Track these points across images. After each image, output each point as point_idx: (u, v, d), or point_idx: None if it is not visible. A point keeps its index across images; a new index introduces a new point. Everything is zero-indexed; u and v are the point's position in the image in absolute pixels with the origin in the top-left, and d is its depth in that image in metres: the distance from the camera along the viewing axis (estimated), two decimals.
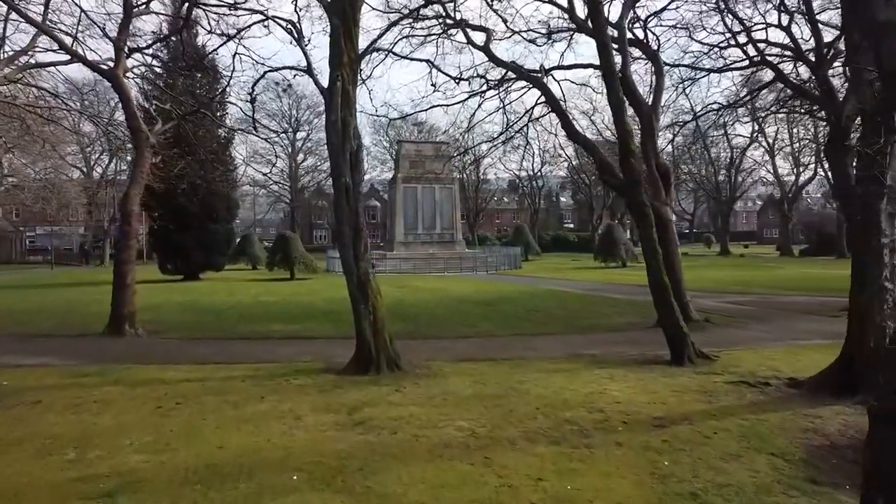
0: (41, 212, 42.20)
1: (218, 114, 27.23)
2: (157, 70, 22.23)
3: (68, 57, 12.39)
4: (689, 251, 53.65)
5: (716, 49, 16.46)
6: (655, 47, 13.72)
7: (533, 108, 13.84)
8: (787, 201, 44.19)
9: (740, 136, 47.02)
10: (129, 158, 28.55)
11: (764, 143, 44.34)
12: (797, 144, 42.10)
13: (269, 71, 9.32)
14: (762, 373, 7.34)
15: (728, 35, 15.86)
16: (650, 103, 12.27)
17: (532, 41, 14.32)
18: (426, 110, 14.64)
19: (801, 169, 44.02)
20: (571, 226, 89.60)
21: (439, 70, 11.96)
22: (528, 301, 15.74)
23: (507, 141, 15.04)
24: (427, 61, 11.40)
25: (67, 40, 12.23)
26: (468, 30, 13.64)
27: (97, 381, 7.38)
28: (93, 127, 31.18)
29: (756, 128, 44.82)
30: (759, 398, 6.27)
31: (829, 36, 14.52)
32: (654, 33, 13.50)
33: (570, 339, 10.13)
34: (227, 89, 26.50)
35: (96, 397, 6.55)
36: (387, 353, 7.59)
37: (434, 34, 13.87)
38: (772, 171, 45.23)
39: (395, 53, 10.58)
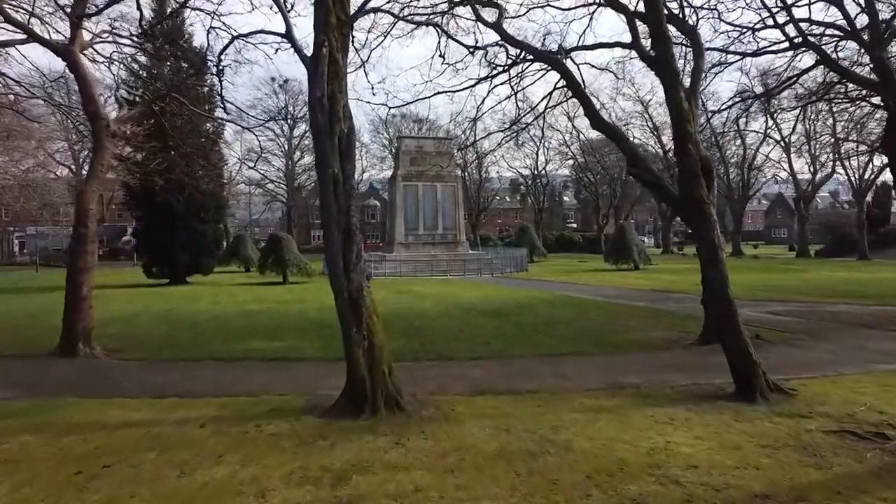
0: (25, 211, 40.72)
1: (206, 106, 25.68)
2: (127, 50, 20.59)
3: (25, 36, 10.90)
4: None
5: (748, 31, 15.00)
6: (692, 22, 12.16)
7: (551, 93, 12.30)
8: (804, 200, 42.63)
9: (752, 131, 45.50)
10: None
11: (779, 140, 42.78)
12: (814, 142, 40.59)
13: (241, 37, 7.79)
14: (864, 415, 5.80)
15: (765, 15, 14.40)
16: (688, 87, 10.72)
17: (547, 32, 12.77)
18: (430, 97, 12.75)
19: (819, 166, 42.50)
20: (574, 226, 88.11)
21: (448, 35, 10.43)
22: (544, 311, 14.20)
23: (521, 131, 13.51)
24: (435, 25, 9.85)
25: (33, 21, 10.77)
26: (478, 6, 12.13)
27: (19, 424, 5.85)
28: (61, 117, 29.74)
29: (770, 123, 43.38)
30: (886, 460, 4.72)
31: (885, 13, 13.00)
32: (691, 4, 11.91)
33: (604, 362, 8.59)
34: (212, 78, 24.99)
35: (4, 453, 5.02)
36: (385, 390, 6.05)
37: (438, 12, 12.36)
38: (787, 168, 43.65)
39: (394, 15, 9.00)
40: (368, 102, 13.16)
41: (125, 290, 22.13)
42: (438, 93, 13.27)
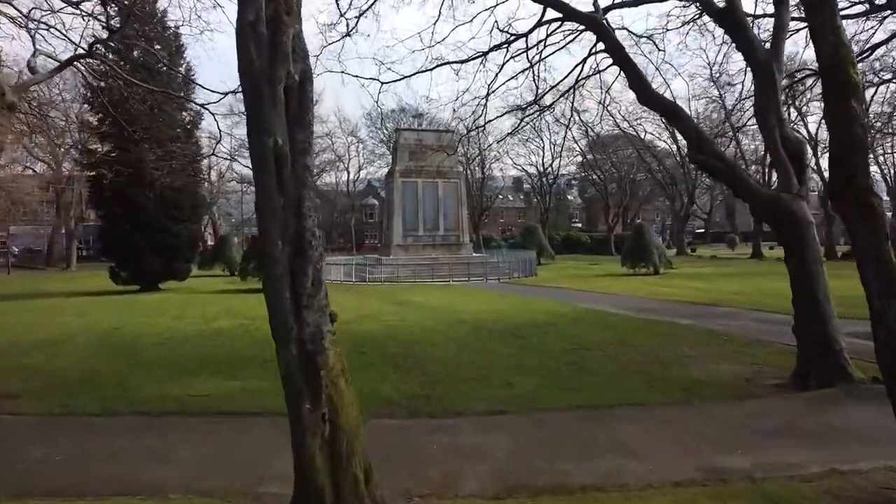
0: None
1: (180, 93, 23.30)
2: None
3: None
4: (717, 254, 49.73)
5: None
6: None
7: (585, 60, 9.90)
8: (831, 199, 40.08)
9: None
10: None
11: (805, 135, 40.28)
12: None
13: None
14: None
15: None
16: (769, 47, 8.31)
17: None
18: (432, 69, 10.41)
19: None
20: (579, 225, 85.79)
21: None
22: (569, 330, 11.78)
23: (542, 112, 11.11)
24: None
25: None
26: None
27: None
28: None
29: (794, 116, 40.90)
30: None
31: None
32: None
33: (677, 420, 6.16)
34: (189, 61, 22.62)
35: None
36: None
37: None
38: (814, 165, 41.14)
39: None
40: (357, 77, 10.78)
41: (85, 298, 19.75)
42: (441, 64, 10.89)
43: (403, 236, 29.77)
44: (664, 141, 51.12)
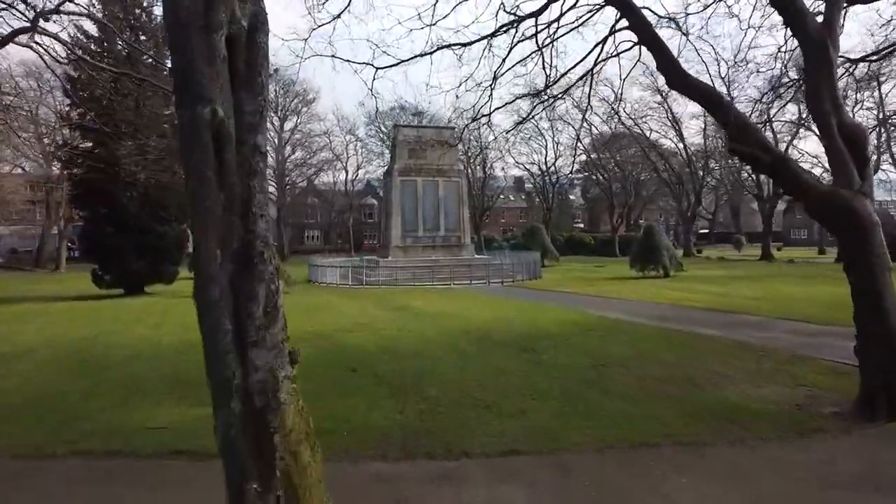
0: None
1: (170, 87, 22.24)
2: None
3: None
4: (725, 255, 48.66)
5: None
6: None
7: (605, 39, 8.81)
8: None
9: (785, 121, 41.82)
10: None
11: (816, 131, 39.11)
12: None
13: None
14: None
15: None
16: (823, 19, 7.21)
17: None
18: (432, 53, 9.38)
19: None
20: (581, 226, 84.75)
21: None
22: (586, 343, 10.68)
23: (555, 100, 10.02)
24: None
25: None
26: None
27: None
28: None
29: (805, 113, 39.80)
30: None
31: None
32: None
33: (734, 467, 5.07)
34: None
35: None
36: None
37: None
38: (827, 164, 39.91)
39: None
40: (349, 62, 9.81)
41: (65, 303, 18.68)
42: (443, 47, 9.81)
43: (402, 237, 28.69)
44: (670, 139, 50.11)
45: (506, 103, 9.59)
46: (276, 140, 58.09)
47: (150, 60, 21.42)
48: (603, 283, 24.32)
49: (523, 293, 20.99)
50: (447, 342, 10.85)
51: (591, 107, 10.21)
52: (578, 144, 55.58)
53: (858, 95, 36.76)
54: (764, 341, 10.62)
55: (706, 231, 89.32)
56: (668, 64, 7.68)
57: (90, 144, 21.39)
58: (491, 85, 9.39)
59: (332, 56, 10.29)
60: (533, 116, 10.53)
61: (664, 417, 6.36)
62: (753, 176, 44.26)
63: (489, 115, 9.64)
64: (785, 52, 10.02)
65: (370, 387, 7.82)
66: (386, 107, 51.08)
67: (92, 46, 21.29)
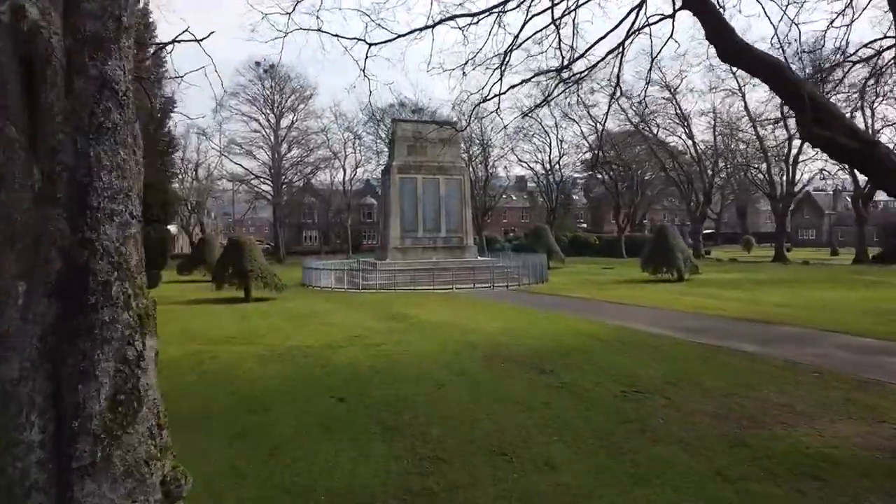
0: None
1: (150, 77, 20.87)
2: None
3: None
4: (736, 256, 47.30)
5: None
6: None
7: (640, 5, 7.43)
8: (863, 199, 37.64)
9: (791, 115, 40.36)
10: None
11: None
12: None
13: None
14: None
15: None
16: None
17: None
18: (433, 26, 8.04)
19: None
20: (584, 226, 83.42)
21: None
22: (612, 362, 9.30)
23: (576, 81, 8.62)
24: None
25: None
26: None
27: None
28: None
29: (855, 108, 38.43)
30: None
31: None
32: None
33: None
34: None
35: None
36: None
37: None
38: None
39: None
40: (338, 37, 8.56)
41: None
42: (446, 19, 8.47)
43: (401, 238, 27.31)
44: (678, 136, 48.74)
45: (522, 81, 8.21)
46: (272, 137, 56.76)
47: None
48: (615, 287, 22.93)
49: (531, 299, 19.62)
50: (452, 361, 9.47)
51: (621, 87, 8.81)
52: (585, 141, 54.19)
53: None
54: (815, 360, 9.25)
55: (711, 231, 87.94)
56: (721, 30, 6.32)
57: None
58: (502, 61, 8.02)
59: (319, 31, 8.93)
60: (551, 100, 9.14)
61: (732, 474, 4.98)
62: (765, 173, 42.86)
63: (500, 95, 8.24)
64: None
65: (360, 423, 6.45)
66: (384, 103, 49.77)
67: None
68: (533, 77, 8.27)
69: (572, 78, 8.20)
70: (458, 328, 12.90)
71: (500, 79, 8.61)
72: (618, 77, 7.88)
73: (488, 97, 8.39)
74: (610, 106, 13.03)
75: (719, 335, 11.52)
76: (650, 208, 74.94)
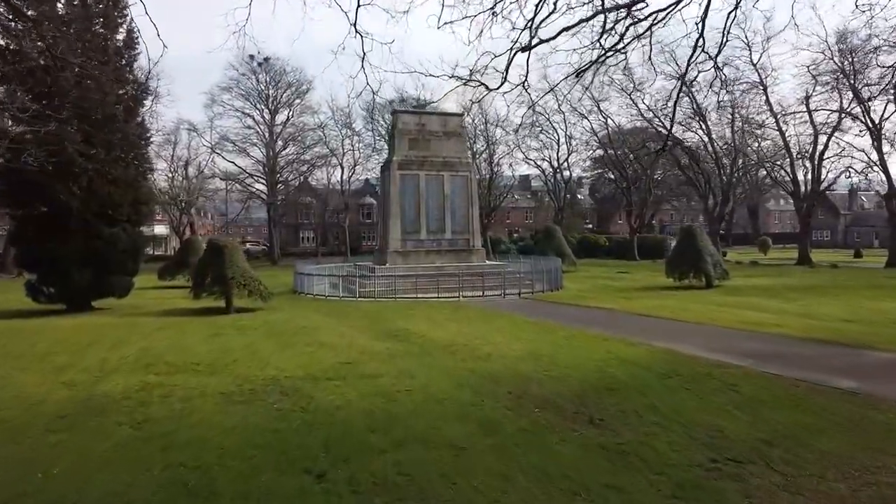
0: None
1: (121, 60, 18.88)
2: None
3: None
4: (755, 258, 45.15)
5: None
6: None
7: None
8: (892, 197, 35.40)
9: (826, 110, 38.15)
10: None
11: (868, 124, 35.53)
12: None
13: None
14: None
15: None
16: None
17: None
18: None
19: None
20: (589, 226, 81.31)
21: None
22: (675, 406, 7.19)
23: (649, 28, 6.47)
24: None
25: None
26: None
27: None
28: None
29: (847, 104, 36.30)
30: None
31: None
32: None
33: None
34: (132, 21, 18.08)
35: None
36: None
37: None
38: (875, 159, 36.24)
39: None
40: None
41: None
42: None
43: (402, 240, 25.20)
44: (695, 132, 46.56)
45: (581, 21, 6.09)
46: (266, 134, 54.68)
47: (100, 27, 18.06)
48: (640, 295, 20.83)
49: (549, 310, 17.53)
50: (470, 406, 7.36)
51: (554, 138, 6.66)
52: (593, 139, 52.13)
53: None
54: None
55: (722, 232, 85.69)
56: None
57: (22, 128, 17.92)
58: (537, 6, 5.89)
59: None
60: (607, 58, 6.98)
61: None
62: (789, 170, 40.71)
63: (553, 39, 6.07)
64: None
65: None
66: (382, 98, 47.64)
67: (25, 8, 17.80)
68: (591, 18, 6.14)
69: (642, 23, 6.11)
70: (471, 351, 10.79)
71: (531, 25, 6.48)
72: (703, 22, 5.76)
73: (533, 44, 6.25)
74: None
75: (796, 363, 9.40)
76: (658, 209, 72.78)
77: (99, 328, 14.17)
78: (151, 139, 20.28)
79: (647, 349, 10.72)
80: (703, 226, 57.74)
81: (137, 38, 18.88)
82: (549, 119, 51.48)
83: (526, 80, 7.97)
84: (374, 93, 8.30)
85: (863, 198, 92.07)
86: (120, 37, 18.55)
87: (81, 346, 11.60)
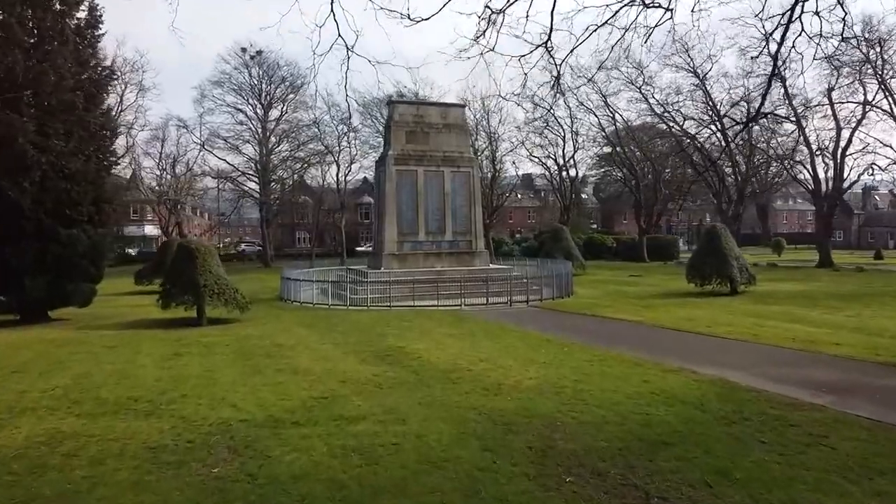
0: None
1: (85, 40, 17.06)
2: None
3: None
4: (772, 259, 43.23)
5: None
6: None
7: None
8: None
9: (852, 102, 36.21)
10: None
11: (893, 114, 33.64)
12: None
13: None
14: None
15: None
16: None
17: None
18: None
19: None
20: (594, 227, 79.43)
21: None
22: (754, 472, 5.30)
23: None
24: None
25: None
26: None
27: None
28: None
29: (875, 97, 34.41)
30: None
31: None
32: None
33: None
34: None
35: None
36: None
37: None
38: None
39: None
40: None
41: None
42: None
43: (399, 242, 23.32)
44: (708, 128, 44.65)
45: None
46: (259, 130, 52.81)
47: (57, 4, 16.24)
48: (662, 304, 18.93)
49: (563, 322, 15.67)
50: (478, 470, 5.47)
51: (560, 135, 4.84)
52: (600, 133, 50.29)
53: None
54: None
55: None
56: None
57: None
58: None
59: None
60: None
61: None
62: (809, 169, 38.83)
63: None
64: None
65: None
66: (382, 93, 45.86)
67: None
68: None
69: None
70: (477, 380, 8.92)
71: None
72: None
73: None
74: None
75: (891, 401, 7.51)
76: (665, 209, 70.86)
77: (40, 346, 12.29)
78: (119, 131, 18.39)
79: (691, 378, 8.83)
80: (693, 225, 55.80)
81: (101, 16, 17.06)
82: (554, 114, 49.61)
83: (549, 39, 6.13)
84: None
85: (876, 197, 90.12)
86: (81, 15, 16.71)
87: (4, 372, 9.71)
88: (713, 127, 43.64)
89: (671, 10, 6.88)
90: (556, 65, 6.78)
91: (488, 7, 6.39)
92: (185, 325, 15.04)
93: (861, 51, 32.64)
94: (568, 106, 48.52)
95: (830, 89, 35.81)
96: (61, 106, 15.66)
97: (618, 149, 49.58)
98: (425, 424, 6.83)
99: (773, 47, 6.56)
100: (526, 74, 6.91)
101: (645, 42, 6.96)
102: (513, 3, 6.37)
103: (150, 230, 63.49)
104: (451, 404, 7.64)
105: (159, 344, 12.40)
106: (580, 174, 62.77)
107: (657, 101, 45.48)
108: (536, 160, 53.77)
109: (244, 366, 10.09)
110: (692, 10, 6.91)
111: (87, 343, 12.54)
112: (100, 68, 17.33)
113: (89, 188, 16.24)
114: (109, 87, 18.35)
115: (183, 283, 15.40)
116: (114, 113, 42.85)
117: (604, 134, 50.50)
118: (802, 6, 5.78)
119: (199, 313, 15.49)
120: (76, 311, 17.30)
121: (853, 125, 36.06)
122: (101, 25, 17.03)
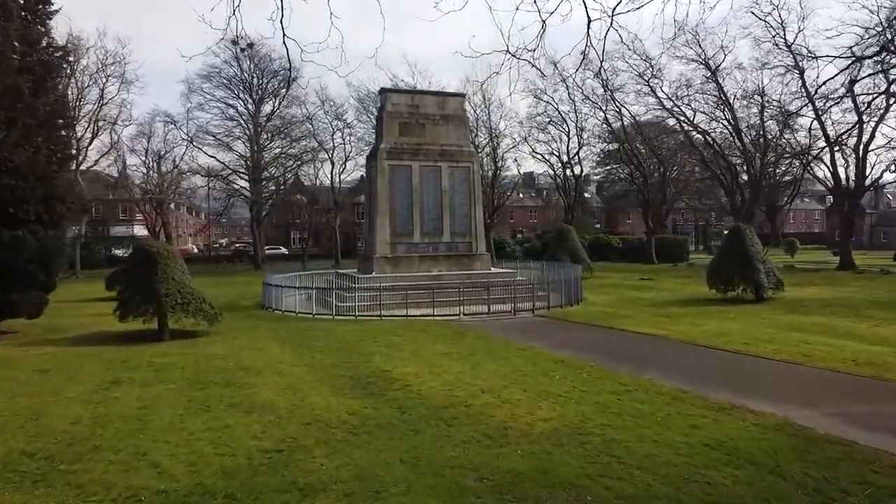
0: None
1: (36, 21, 15.24)
2: None
3: None
4: (786, 261, 41.38)
5: None
6: None
7: None
8: None
9: (874, 93, 34.31)
10: None
11: None
12: None
13: None
14: None
15: None
16: None
17: None
18: None
19: None
20: (598, 226, 77.63)
21: None
22: None
23: None
24: None
25: None
26: None
27: None
28: None
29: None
30: None
31: None
32: None
33: None
34: None
35: None
36: None
37: None
38: None
39: None
40: None
41: None
42: None
43: (392, 244, 21.47)
44: (721, 123, 42.73)
45: None
46: (250, 126, 50.90)
47: None
48: (684, 314, 17.08)
49: (576, 336, 13.85)
50: None
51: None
52: (609, 127, 48.49)
53: None
54: None
55: None
56: None
57: None
58: None
59: None
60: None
61: None
62: (829, 166, 36.96)
63: None
64: None
65: None
66: (375, 87, 43.98)
67: None
68: None
69: None
70: (477, 421, 7.09)
71: None
72: None
73: None
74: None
75: None
76: (672, 208, 68.95)
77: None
78: (74, 121, 16.55)
79: (751, 422, 6.98)
80: (700, 225, 53.96)
81: None
82: (557, 109, 47.78)
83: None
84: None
85: (889, 196, 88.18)
86: None
87: None
88: (725, 123, 41.74)
89: None
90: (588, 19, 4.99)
91: None
92: (143, 340, 13.23)
93: (886, 36, 30.81)
94: (572, 100, 46.72)
95: (853, 81, 33.94)
96: (4, 90, 13.84)
97: (625, 145, 47.74)
98: (409, 500, 5.00)
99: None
100: (544, 22, 5.09)
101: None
102: None
103: (140, 230, 61.61)
104: (443, 463, 5.82)
105: (101, 367, 10.55)
106: (586, 173, 60.90)
107: (666, 94, 43.69)
108: (539, 157, 51.89)
109: (191, 400, 8.26)
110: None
111: (15, 366, 10.70)
112: (51, 49, 15.51)
113: (37, 184, 14.41)
114: (63, 70, 16.48)
115: (142, 291, 13.58)
116: (95, 106, 41.30)
117: (610, 129, 48.65)
118: None
119: (161, 326, 13.67)
120: (27, 322, 15.50)
121: (876, 119, 34.23)
122: (52, 1, 15.21)
